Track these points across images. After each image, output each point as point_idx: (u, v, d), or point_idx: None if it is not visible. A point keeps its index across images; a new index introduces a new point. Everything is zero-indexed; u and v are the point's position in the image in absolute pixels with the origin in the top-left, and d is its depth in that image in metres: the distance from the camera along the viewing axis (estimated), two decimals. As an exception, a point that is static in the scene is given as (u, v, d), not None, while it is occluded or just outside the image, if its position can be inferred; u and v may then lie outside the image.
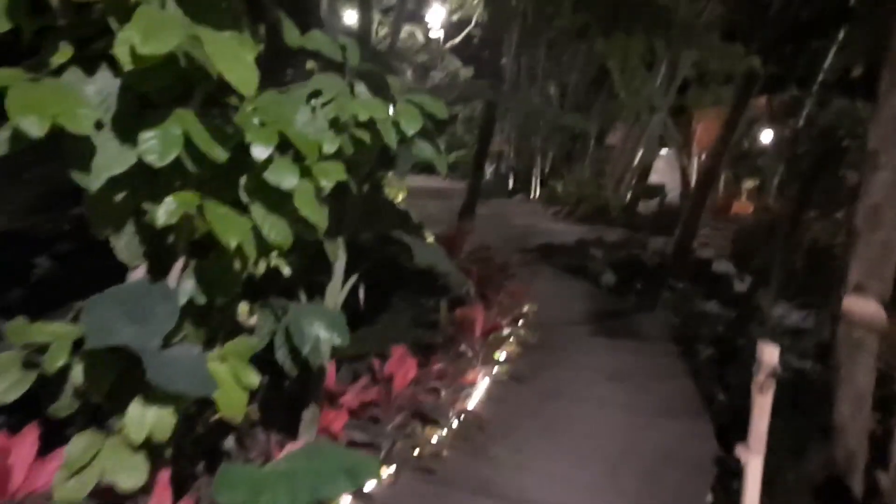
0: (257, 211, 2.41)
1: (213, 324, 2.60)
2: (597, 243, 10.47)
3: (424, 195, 16.55)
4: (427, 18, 30.42)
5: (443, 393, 4.31)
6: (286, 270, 2.80)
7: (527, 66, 17.62)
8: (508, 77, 17.98)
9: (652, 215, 13.55)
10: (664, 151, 19.47)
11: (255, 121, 2.40)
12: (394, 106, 2.99)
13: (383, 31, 23.70)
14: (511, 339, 5.74)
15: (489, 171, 15.75)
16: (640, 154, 14.76)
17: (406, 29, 30.96)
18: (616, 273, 9.63)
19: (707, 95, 15.10)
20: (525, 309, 6.50)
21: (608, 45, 7.49)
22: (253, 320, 2.79)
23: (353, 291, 3.52)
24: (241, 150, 2.32)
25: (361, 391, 3.84)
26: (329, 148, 2.63)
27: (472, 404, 4.46)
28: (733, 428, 3.84)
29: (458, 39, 27.99)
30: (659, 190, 20.41)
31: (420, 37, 30.76)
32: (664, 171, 22.22)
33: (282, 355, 2.71)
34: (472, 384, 4.68)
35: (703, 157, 21.55)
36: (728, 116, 9.18)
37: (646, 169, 16.06)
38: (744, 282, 11.00)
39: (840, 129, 8.21)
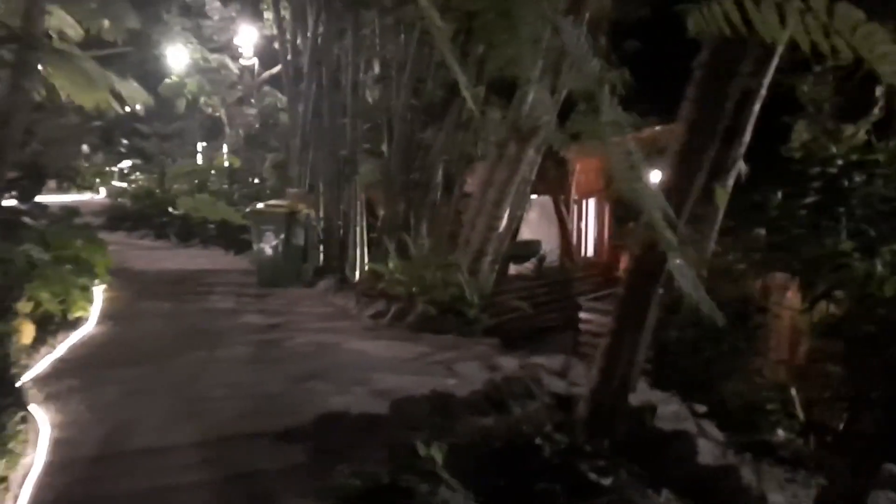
0: None
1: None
2: (434, 403, 5.10)
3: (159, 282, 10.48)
4: (237, 42, 24.67)
5: None
6: None
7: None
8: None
9: (532, 304, 8.42)
10: (534, 196, 14.75)
11: None
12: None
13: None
14: None
15: (274, 244, 9.92)
16: (507, 206, 9.70)
17: (216, 58, 25.07)
18: (477, 494, 4.30)
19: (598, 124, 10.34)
20: None
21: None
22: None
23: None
24: None
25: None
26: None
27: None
28: None
29: (277, 69, 22.34)
30: (535, 248, 15.45)
31: (233, 67, 24.89)
32: (536, 222, 17.52)
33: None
34: None
35: (587, 203, 17.25)
36: (683, 146, 4.25)
37: (516, 221, 11.12)
38: (712, 440, 6.05)
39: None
